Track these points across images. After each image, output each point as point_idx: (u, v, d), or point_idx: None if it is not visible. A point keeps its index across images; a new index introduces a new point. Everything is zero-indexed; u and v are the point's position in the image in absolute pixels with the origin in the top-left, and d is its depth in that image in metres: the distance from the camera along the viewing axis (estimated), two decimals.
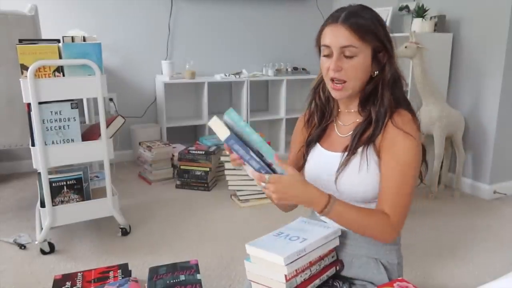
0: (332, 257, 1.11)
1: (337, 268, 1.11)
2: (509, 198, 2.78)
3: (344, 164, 1.09)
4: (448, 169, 2.92)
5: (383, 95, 1.08)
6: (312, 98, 1.23)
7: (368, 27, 1.04)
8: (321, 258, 1.06)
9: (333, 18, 1.06)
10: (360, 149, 1.08)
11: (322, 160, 1.16)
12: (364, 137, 1.09)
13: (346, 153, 1.09)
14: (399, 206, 1.04)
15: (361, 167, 1.07)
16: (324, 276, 1.06)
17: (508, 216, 2.51)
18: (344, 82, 1.07)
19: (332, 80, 1.08)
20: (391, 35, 1.09)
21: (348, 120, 1.16)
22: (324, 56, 1.09)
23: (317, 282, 1.04)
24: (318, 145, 1.20)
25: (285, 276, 0.95)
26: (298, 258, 0.97)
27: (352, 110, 1.15)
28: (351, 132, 1.12)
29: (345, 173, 1.09)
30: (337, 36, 1.04)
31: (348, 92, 1.09)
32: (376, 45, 1.06)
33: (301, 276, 1.00)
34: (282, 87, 3.71)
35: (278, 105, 3.82)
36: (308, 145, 1.21)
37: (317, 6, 3.97)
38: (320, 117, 1.21)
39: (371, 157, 1.07)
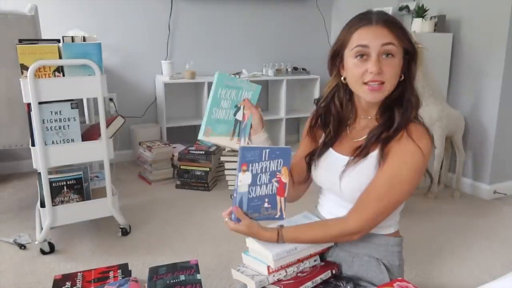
0: (315, 260, 1.11)
1: (333, 271, 1.10)
2: (509, 198, 2.78)
3: (352, 164, 1.07)
4: (448, 169, 2.92)
5: (410, 99, 1.06)
6: (320, 111, 1.19)
7: (400, 25, 1.04)
8: (306, 259, 1.08)
9: (366, 21, 1.03)
10: (372, 155, 1.06)
11: (331, 161, 1.15)
12: (379, 140, 1.06)
13: (357, 152, 1.07)
14: (370, 210, 1.03)
15: (370, 176, 1.05)
16: (318, 279, 1.06)
17: (508, 216, 2.51)
18: (383, 83, 1.03)
19: (366, 83, 1.03)
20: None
21: (363, 125, 1.14)
22: (358, 58, 1.03)
23: (309, 284, 1.04)
24: (330, 148, 1.18)
25: (268, 268, 1.02)
26: (288, 255, 1.04)
27: (369, 117, 1.13)
28: (366, 136, 1.09)
29: (351, 176, 1.07)
30: (377, 35, 1.02)
31: (385, 93, 1.05)
32: (406, 45, 1.05)
33: (273, 276, 1.02)
34: (282, 87, 3.71)
35: (278, 105, 3.82)
36: (322, 149, 1.18)
37: (317, 6, 3.97)
38: (337, 126, 1.17)
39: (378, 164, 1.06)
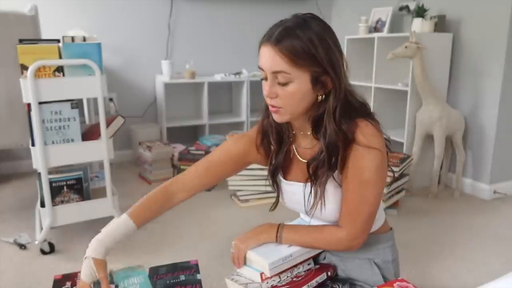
0: (309, 264, 1.10)
1: (329, 273, 1.09)
2: (509, 198, 2.78)
3: (313, 200, 1.03)
4: (448, 169, 2.92)
5: (328, 127, 0.96)
6: (263, 118, 1.10)
7: (302, 51, 0.90)
8: (300, 264, 1.07)
9: (267, 36, 0.94)
10: (328, 184, 1.00)
11: (293, 192, 1.10)
12: (323, 172, 0.99)
13: (309, 191, 1.03)
14: (357, 222, 1.00)
15: (335, 201, 1.02)
16: (313, 282, 1.05)
17: (508, 216, 2.51)
18: (280, 107, 0.97)
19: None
20: (343, 50, 1.01)
21: (307, 143, 1.06)
22: (262, 78, 0.98)
23: None
24: (280, 177, 1.12)
25: (261, 275, 1.00)
26: (283, 263, 1.02)
27: (308, 133, 1.05)
28: (311, 164, 1.01)
29: (318, 207, 1.03)
30: (268, 59, 0.93)
31: (287, 116, 0.98)
32: (314, 70, 0.92)
33: (267, 283, 1.01)
34: None
35: None
36: (273, 176, 1.12)
37: (317, 6, 3.97)
38: (278, 140, 1.09)
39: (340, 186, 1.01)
